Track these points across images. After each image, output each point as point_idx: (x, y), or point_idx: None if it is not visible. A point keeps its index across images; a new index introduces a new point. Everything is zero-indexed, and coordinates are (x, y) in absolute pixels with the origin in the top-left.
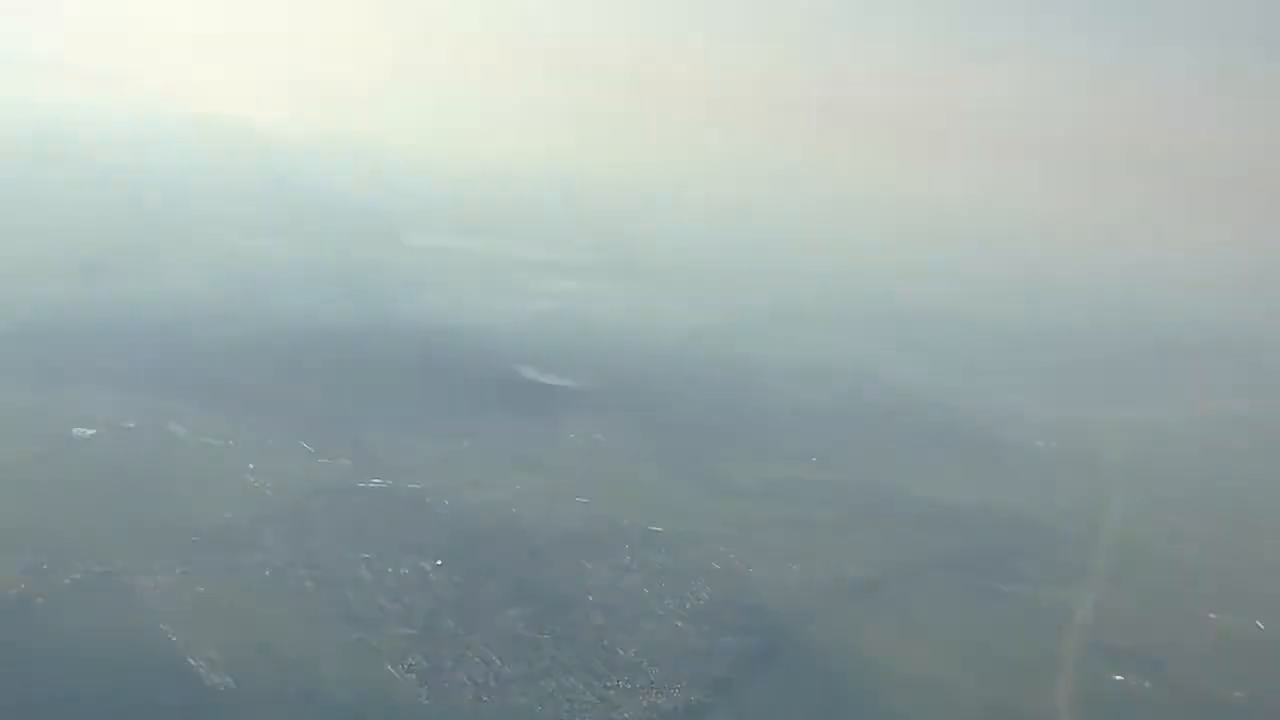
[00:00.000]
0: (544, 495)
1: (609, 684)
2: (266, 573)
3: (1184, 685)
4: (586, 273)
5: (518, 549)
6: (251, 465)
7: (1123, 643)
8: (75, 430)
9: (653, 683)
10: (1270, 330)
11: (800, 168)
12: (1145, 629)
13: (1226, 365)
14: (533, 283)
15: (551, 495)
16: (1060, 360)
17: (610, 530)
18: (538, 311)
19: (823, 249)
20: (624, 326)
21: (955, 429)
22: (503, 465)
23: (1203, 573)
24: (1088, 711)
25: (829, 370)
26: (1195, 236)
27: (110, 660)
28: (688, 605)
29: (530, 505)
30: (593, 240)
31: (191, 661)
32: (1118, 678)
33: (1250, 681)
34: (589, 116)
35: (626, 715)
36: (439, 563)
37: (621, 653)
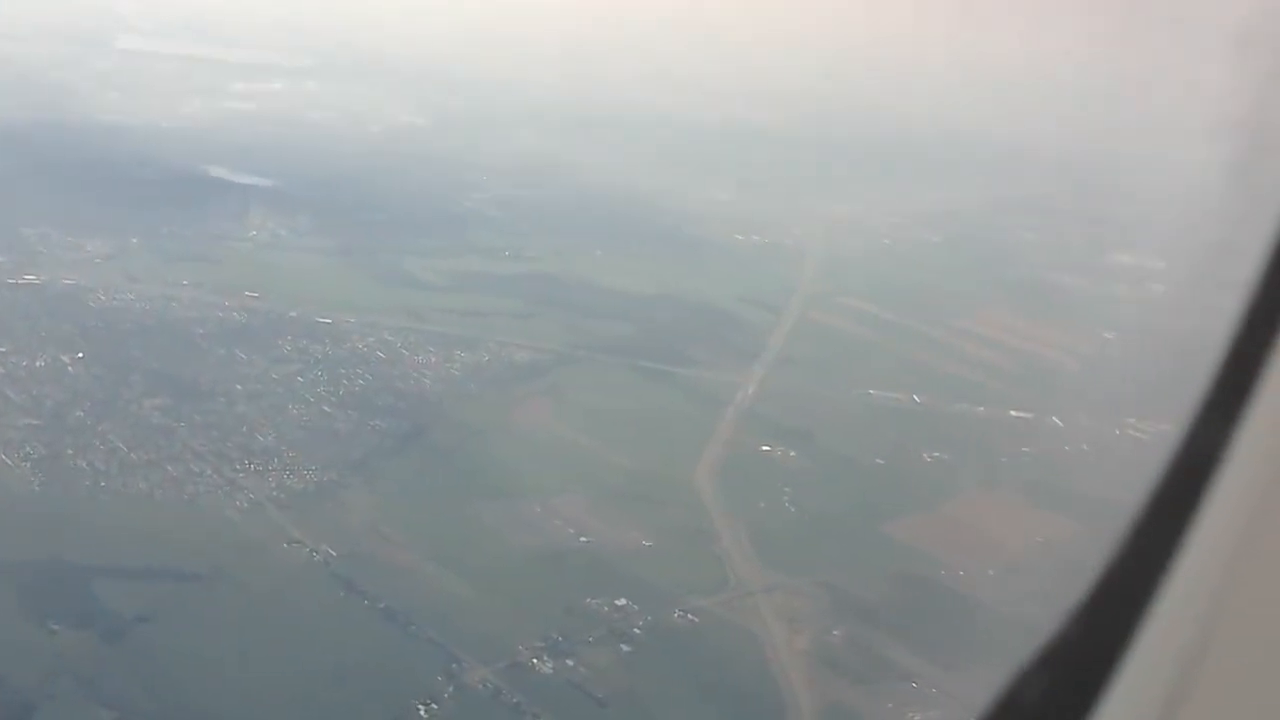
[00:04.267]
0: (211, 290)
1: (239, 467)
2: None
3: (828, 453)
4: (299, 75)
5: (171, 342)
6: None
7: (778, 418)
8: None
9: (286, 465)
10: (989, 129)
11: None
12: (803, 405)
13: (942, 162)
14: (238, 84)
15: (220, 290)
16: (774, 158)
17: (274, 323)
18: (237, 112)
19: (551, 56)
20: (328, 126)
21: (655, 224)
22: (172, 262)
23: (873, 354)
24: (725, 477)
25: (536, 169)
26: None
27: None
28: (341, 391)
29: (194, 300)
30: (316, 44)
31: None
32: (764, 449)
33: (893, 450)
34: None
35: (252, 496)
36: (80, 355)
37: (260, 438)
